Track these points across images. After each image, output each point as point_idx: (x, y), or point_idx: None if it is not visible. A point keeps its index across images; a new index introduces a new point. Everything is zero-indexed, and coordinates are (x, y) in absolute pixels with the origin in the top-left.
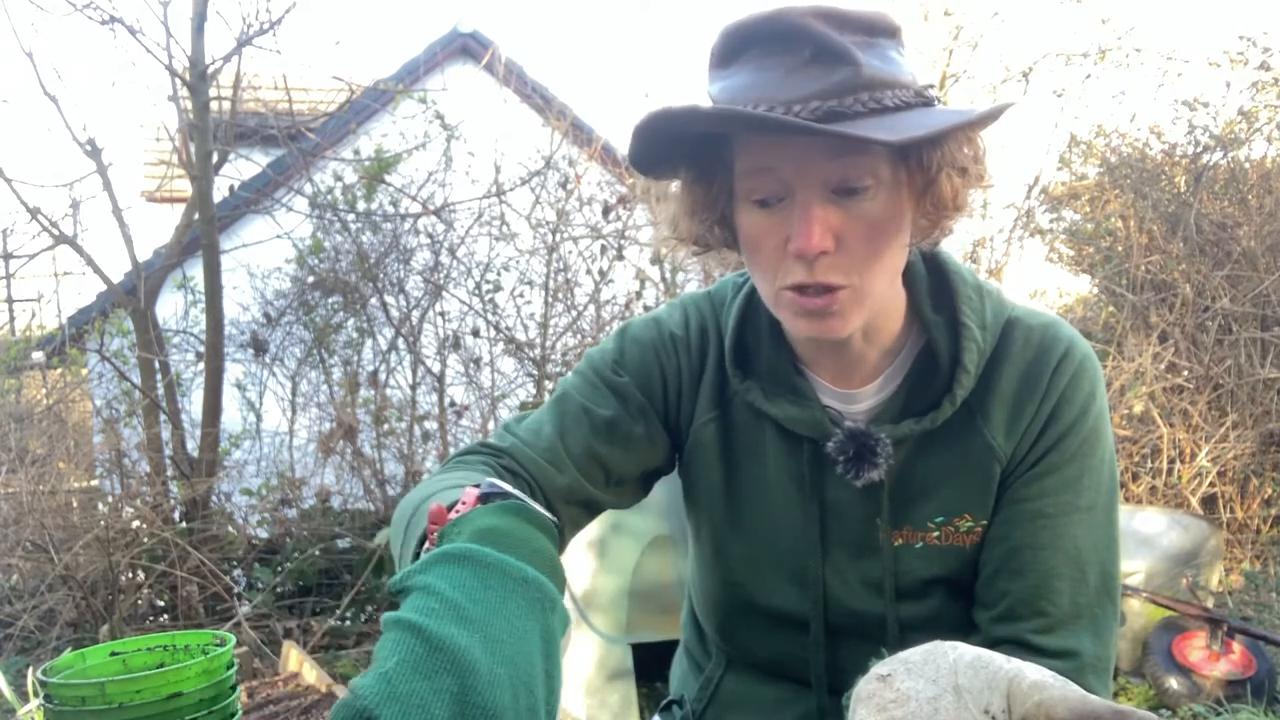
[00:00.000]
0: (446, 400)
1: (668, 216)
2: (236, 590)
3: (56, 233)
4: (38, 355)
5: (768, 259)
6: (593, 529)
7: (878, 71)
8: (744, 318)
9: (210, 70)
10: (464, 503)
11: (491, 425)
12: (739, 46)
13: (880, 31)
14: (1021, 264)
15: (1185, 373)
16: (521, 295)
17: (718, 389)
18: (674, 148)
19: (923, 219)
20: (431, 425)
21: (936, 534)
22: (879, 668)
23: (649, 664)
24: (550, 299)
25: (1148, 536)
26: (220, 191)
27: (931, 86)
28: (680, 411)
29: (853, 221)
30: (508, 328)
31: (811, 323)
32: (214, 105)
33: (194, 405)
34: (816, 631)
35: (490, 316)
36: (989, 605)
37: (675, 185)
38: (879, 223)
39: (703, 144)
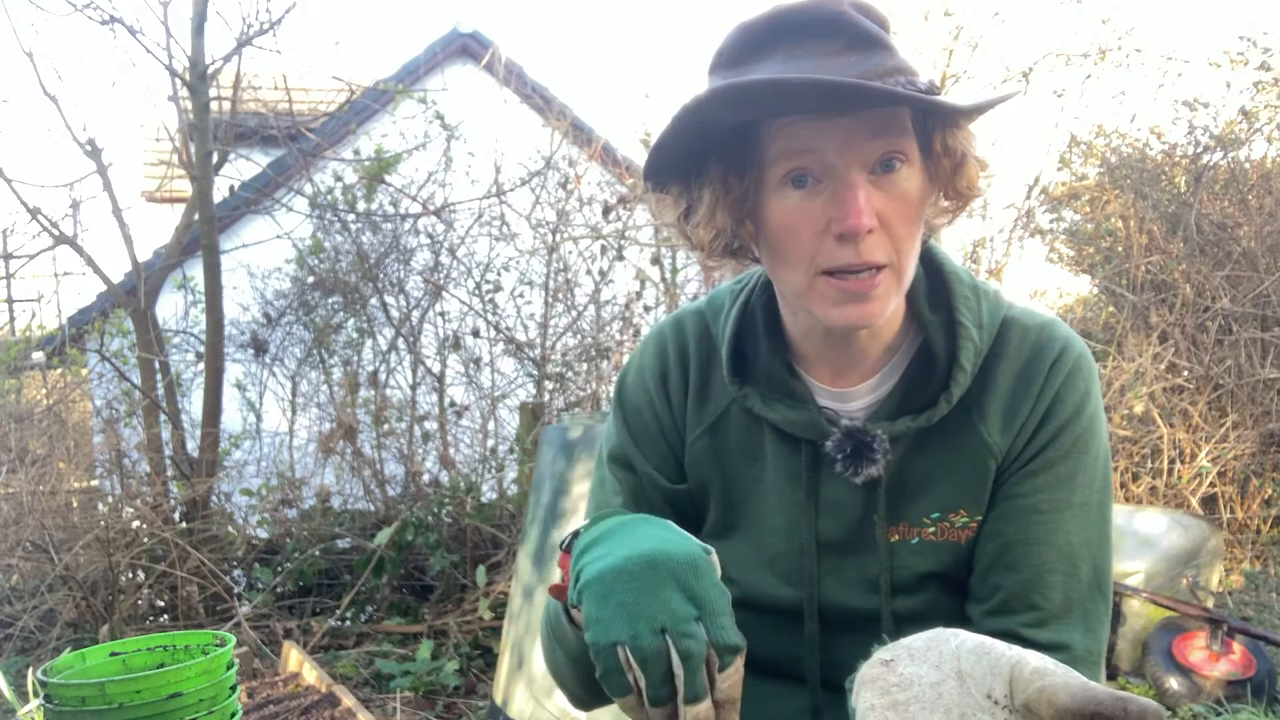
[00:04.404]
0: (446, 400)
1: (699, 217)
2: (236, 590)
3: (56, 233)
4: (38, 355)
5: (804, 244)
6: None
7: (904, 59)
8: (741, 326)
9: (210, 70)
10: (562, 568)
11: (491, 425)
12: (762, 40)
13: (888, 26)
14: (1021, 264)
15: (1185, 373)
16: (521, 295)
17: (708, 399)
18: (701, 144)
19: (946, 202)
20: (431, 425)
21: (932, 530)
22: (882, 653)
23: None
24: (550, 299)
25: (1148, 537)
26: (220, 191)
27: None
28: (683, 440)
29: (892, 202)
30: (508, 328)
31: (849, 308)
32: (214, 105)
33: (194, 405)
34: (811, 628)
35: (490, 316)
36: (981, 599)
37: (701, 189)
38: (913, 204)
39: (730, 137)
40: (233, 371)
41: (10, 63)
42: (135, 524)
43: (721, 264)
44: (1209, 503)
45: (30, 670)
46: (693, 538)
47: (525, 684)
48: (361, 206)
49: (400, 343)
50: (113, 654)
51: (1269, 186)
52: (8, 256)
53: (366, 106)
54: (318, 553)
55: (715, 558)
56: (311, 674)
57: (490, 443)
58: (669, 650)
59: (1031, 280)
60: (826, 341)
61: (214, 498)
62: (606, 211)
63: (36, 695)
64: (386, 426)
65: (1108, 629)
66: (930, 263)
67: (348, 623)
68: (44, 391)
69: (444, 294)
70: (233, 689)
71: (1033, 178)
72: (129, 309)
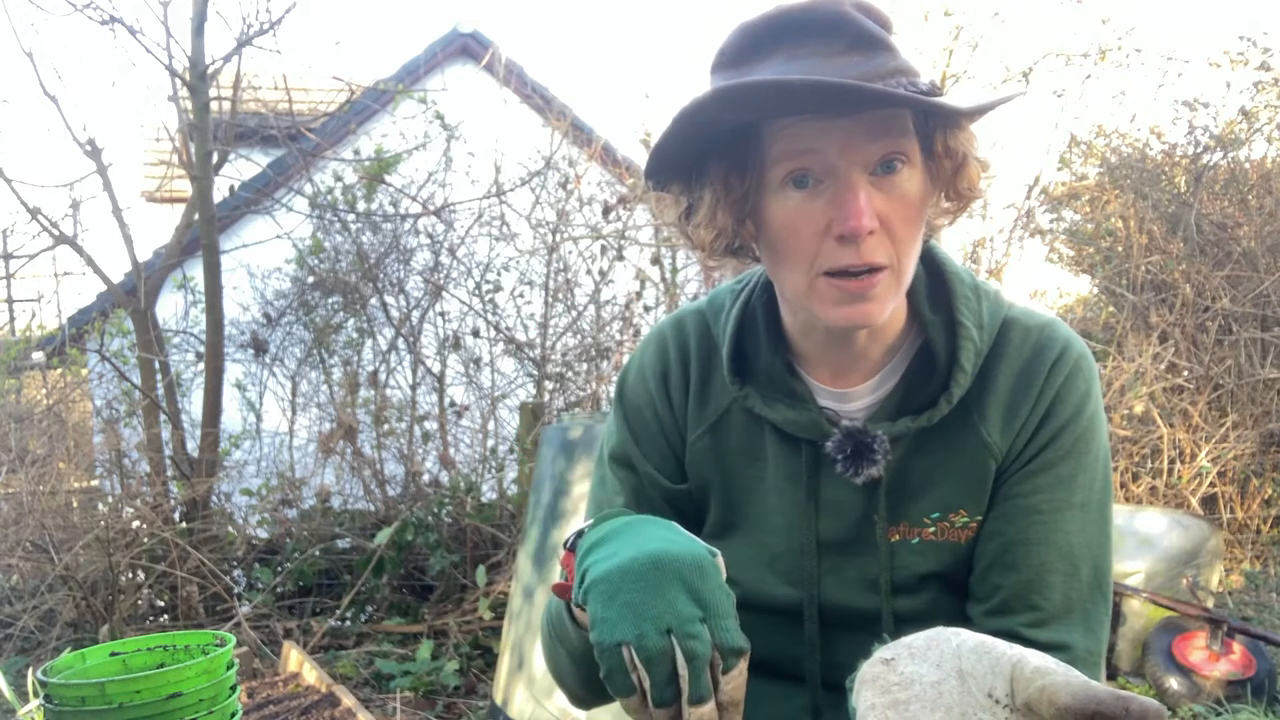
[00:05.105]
0: (446, 400)
1: (700, 217)
2: (236, 590)
3: (56, 233)
4: (38, 355)
5: (804, 245)
6: None
7: (907, 60)
8: (742, 325)
9: (210, 70)
10: (565, 566)
11: (491, 425)
12: (764, 40)
13: (890, 27)
14: (1021, 264)
15: (1185, 373)
16: (521, 295)
17: (709, 399)
18: (702, 144)
19: (947, 203)
20: (431, 425)
21: (932, 530)
22: (882, 652)
23: None
24: (550, 299)
25: (1148, 537)
26: (220, 191)
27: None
28: (684, 439)
29: (893, 203)
30: (508, 328)
31: (849, 308)
32: (214, 105)
33: (194, 405)
34: (811, 628)
35: (490, 316)
36: (982, 599)
37: (703, 190)
38: (914, 205)
39: (731, 137)
40: (233, 371)
41: (10, 63)
42: (135, 524)
43: (722, 264)
44: (1209, 503)
45: (30, 670)
46: (698, 539)
47: (525, 684)
48: (361, 206)
49: (400, 343)
50: (113, 654)
51: (1269, 186)
52: (8, 256)
53: (366, 106)
54: (318, 553)
55: (720, 560)
56: (311, 674)
57: (490, 443)
58: (674, 651)
59: (1031, 280)
60: (827, 342)
61: (214, 498)
62: (606, 211)
63: (36, 695)
64: (386, 426)
65: (1108, 629)
66: (931, 263)
67: (348, 623)
68: (44, 391)
69: (444, 294)
70: (233, 689)
71: (1033, 178)
72: (129, 309)
